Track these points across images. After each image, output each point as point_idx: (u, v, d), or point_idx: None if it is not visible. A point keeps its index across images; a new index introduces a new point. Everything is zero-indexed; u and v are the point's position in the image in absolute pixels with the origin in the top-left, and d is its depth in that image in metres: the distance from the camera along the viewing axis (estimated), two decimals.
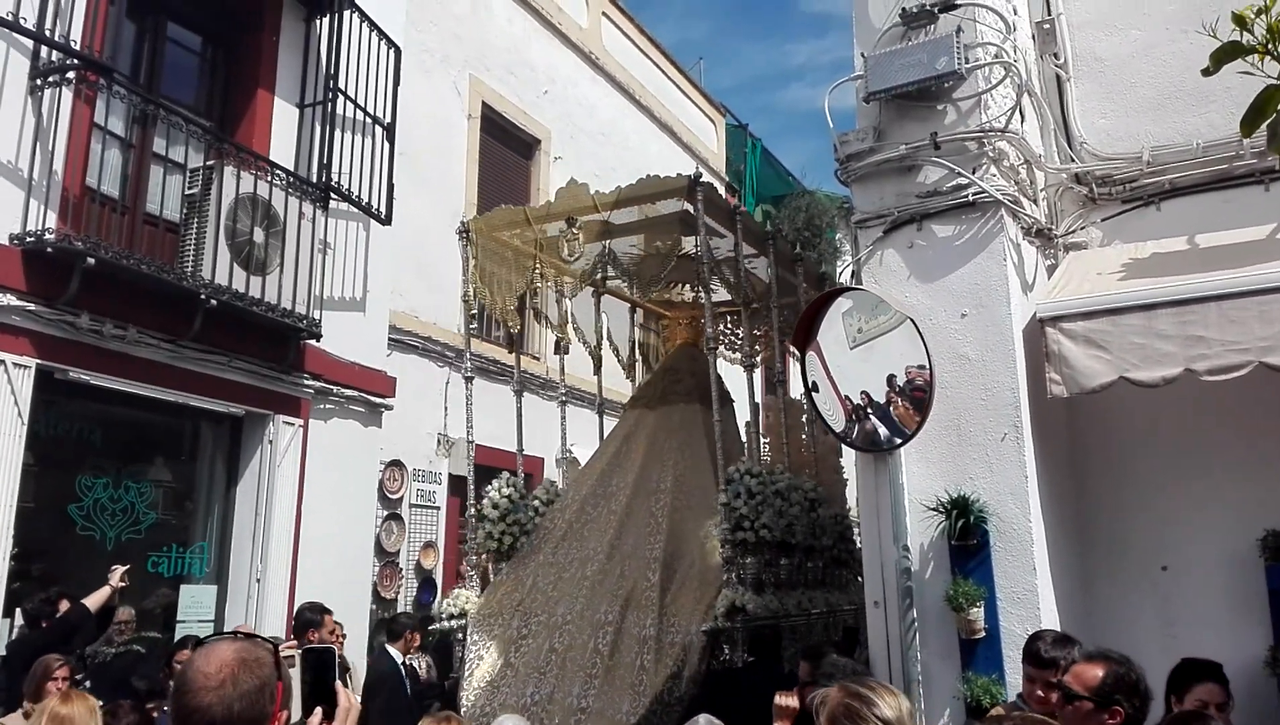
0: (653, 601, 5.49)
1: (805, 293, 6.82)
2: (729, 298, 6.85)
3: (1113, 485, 5.04)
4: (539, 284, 6.86)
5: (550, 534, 6.29)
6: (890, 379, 4.65)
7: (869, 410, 4.71)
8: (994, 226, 4.74)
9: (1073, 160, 5.42)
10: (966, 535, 4.45)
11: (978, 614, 4.38)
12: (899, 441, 4.61)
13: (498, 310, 6.58)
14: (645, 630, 5.37)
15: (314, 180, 8.16)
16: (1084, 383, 4.40)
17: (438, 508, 10.17)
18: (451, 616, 6.03)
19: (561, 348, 7.56)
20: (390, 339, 9.33)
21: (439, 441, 10.24)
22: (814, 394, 4.97)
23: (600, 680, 5.27)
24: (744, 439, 7.14)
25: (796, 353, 5.11)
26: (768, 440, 7.31)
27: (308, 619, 6.26)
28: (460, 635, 5.93)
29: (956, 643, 4.45)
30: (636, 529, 5.99)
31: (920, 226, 4.88)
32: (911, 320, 4.61)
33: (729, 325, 8.21)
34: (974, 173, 4.77)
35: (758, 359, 7.04)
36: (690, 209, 5.95)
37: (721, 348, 7.87)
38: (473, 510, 6.43)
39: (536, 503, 6.60)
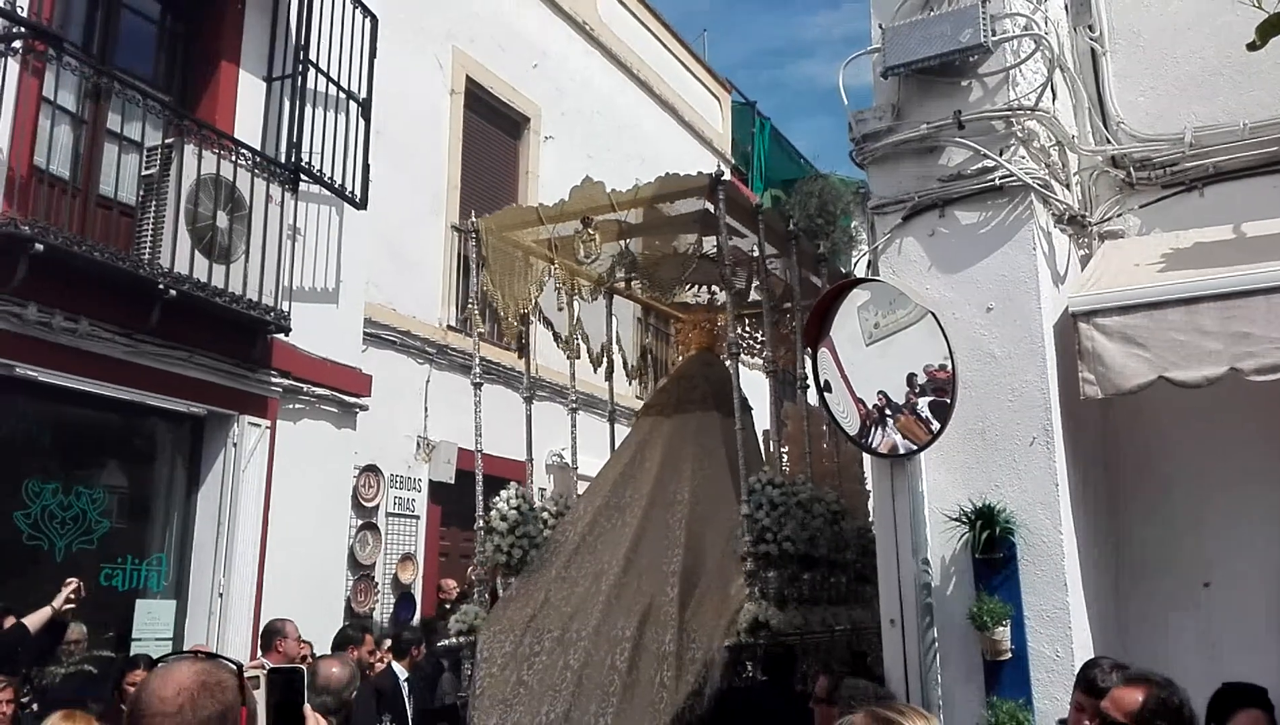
0: (672, 617, 5.65)
1: None
2: (746, 300, 7.03)
3: (1150, 494, 5.05)
4: (556, 286, 7.09)
5: (562, 547, 6.47)
6: (910, 378, 4.66)
7: (886, 412, 4.71)
8: (1023, 213, 4.75)
9: (1109, 141, 5.43)
10: (992, 548, 4.46)
11: (1003, 633, 4.39)
12: (918, 445, 4.61)
13: (510, 314, 6.81)
14: (665, 646, 5.53)
15: (282, 160, 8.14)
16: (1120, 383, 4.41)
17: (417, 517, 10.17)
18: (460, 633, 6.23)
19: (571, 351, 7.67)
20: (365, 333, 9.33)
21: (419, 445, 10.24)
22: (827, 395, 4.97)
23: (618, 698, 5.43)
24: (763, 448, 7.23)
25: (809, 350, 5.12)
26: (786, 449, 7.41)
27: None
28: (468, 653, 6.13)
29: (980, 664, 4.46)
30: (653, 542, 6.18)
31: (942, 213, 4.88)
32: (932, 314, 4.62)
33: (748, 328, 8.34)
34: (1001, 154, 4.78)
35: (778, 364, 7.17)
36: (710, 208, 6.12)
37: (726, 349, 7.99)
38: (480, 522, 6.65)
39: (546, 515, 6.81)
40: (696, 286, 7.83)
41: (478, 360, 6.94)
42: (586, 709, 5.44)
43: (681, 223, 6.43)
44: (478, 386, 6.86)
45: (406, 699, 6.63)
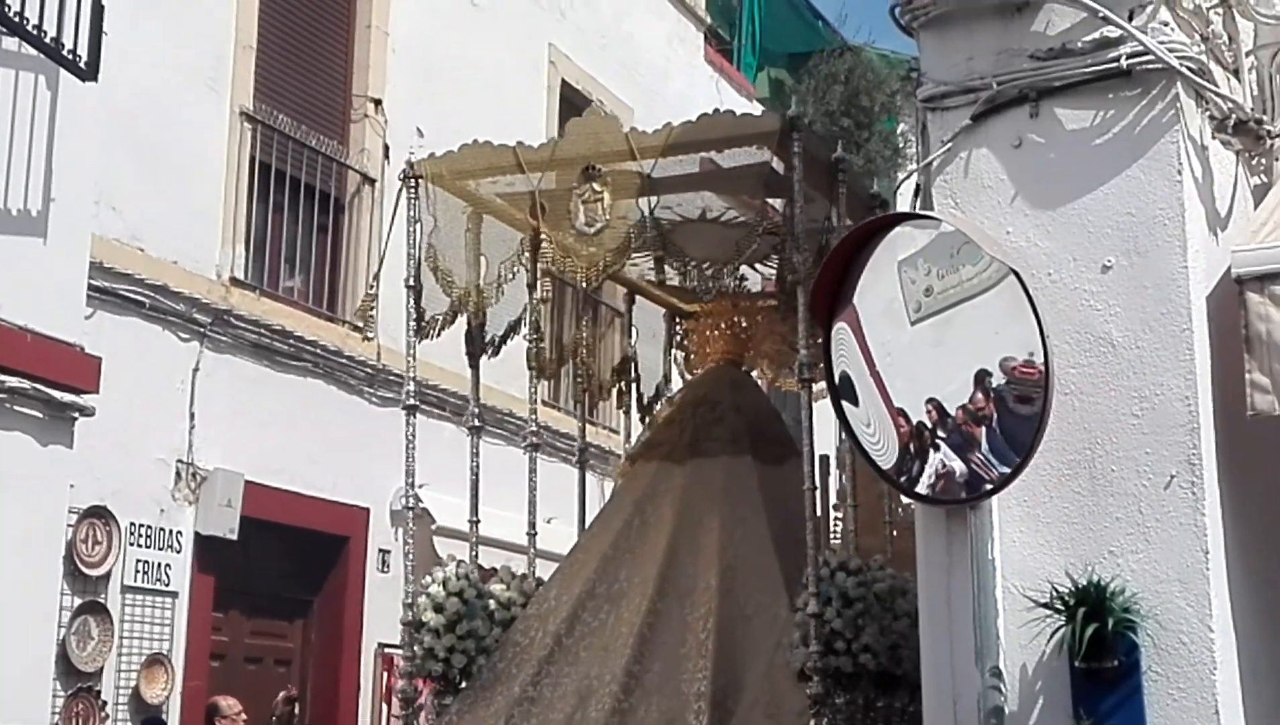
0: None
1: None
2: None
3: None
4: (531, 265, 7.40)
5: (526, 653, 6.70)
6: (979, 378, 4.71)
7: (940, 432, 4.77)
8: (1163, 114, 4.81)
9: None
10: (1101, 652, 4.51)
11: None
12: (989, 486, 4.67)
13: (468, 305, 7.26)
14: None
15: None
16: None
17: (173, 593, 10.08)
18: None
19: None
20: (93, 288, 9.21)
21: (179, 475, 10.15)
22: (847, 402, 5.01)
23: None
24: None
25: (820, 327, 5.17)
26: (839, 512, 7.58)
27: None
28: None
29: None
30: (666, 649, 6.43)
31: (1036, 110, 4.94)
32: (1015, 274, 4.65)
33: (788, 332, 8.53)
34: (1131, 19, 4.83)
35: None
36: (777, 165, 6.43)
37: (765, 366, 8.44)
38: (407, 613, 6.97)
39: (492, 603, 7.07)
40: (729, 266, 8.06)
41: (411, 368, 7.21)
42: None
43: (733, 181, 6.79)
44: (411, 411, 7.17)
45: None
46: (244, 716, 9.62)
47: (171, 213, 10.17)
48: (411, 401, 7.19)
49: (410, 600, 6.99)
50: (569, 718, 6.30)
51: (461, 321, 7.38)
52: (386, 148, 11.96)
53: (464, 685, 6.80)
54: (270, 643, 11.26)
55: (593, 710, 6.26)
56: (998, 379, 4.68)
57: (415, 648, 6.89)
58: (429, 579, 7.05)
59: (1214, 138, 5.08)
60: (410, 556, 7.20)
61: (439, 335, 7.34)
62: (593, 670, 6.47)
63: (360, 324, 7.20)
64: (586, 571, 6.97)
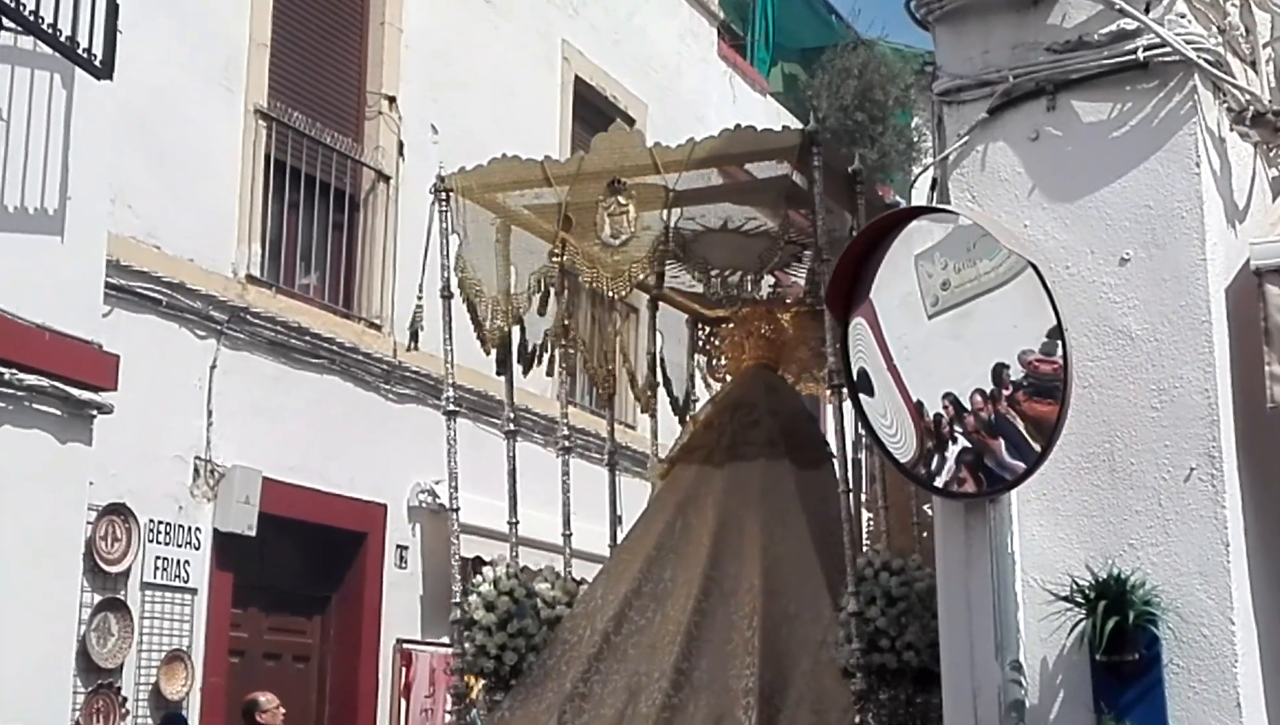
0: None
1: None
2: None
3: None
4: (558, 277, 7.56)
5: (575, 650, 6.89)
6: (997, 372, 4.71)
7: (958, 426, 4.77)
8: (1181, 106, 4.80)
9: None
10: (1122, 645, 4.50)
11: None
12: (1008, 478, 4.67)
13: (500, 318, 7.41)
14: None
15: None
16: None
17: (192, 590, 10.12)
18: None
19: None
20: (110, 286, 9.23)
21: (198, 472, 10.17)
22: (864, 395, 5.01)
23: None
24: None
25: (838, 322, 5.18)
26: (870, 513, 7.65)
27: None
28: None
29: None
30: (713, 647, 6.63)
31: (1053, 103, 4.93)
32: (1034, 267, 4.64)
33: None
34: (1147, 12, 4.82)
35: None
36: (798, 178, 6.55)
37: (793, 369, 8.54)
38: (457, 612, 7.12)
39: (539, 603, 7.25)
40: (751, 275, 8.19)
41: (450, 374, 7.32)
42: None
43: (754, 194, 6.99)
44: (451, 417, 7.29)
45: None
46: (283, 710, 9.67)
47: (187, 211, 10.21)
48: (452, 407, 7.32)
49: (459, 598, 7.14)
50: (620, 713, 6.47)
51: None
52: (401, 145, 12.00)
53: (514, 683, 6.94)
54: (289, 639, 11.30)
55: (643, 706, 6.42)
56: (1016, 372, 4.67)
57: (467, 645, 7.05)
58: (480, 578, 7.22)
59: (1232, 130, 5.07)
60: (455, 557, 7.29)
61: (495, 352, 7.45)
62: (641, 667, 6.64)
63: (410, 332, 7.29)
64: (632, 571, 7.12)
